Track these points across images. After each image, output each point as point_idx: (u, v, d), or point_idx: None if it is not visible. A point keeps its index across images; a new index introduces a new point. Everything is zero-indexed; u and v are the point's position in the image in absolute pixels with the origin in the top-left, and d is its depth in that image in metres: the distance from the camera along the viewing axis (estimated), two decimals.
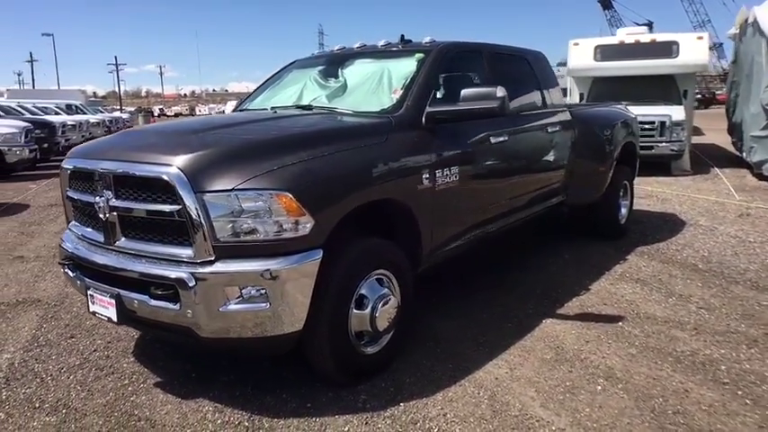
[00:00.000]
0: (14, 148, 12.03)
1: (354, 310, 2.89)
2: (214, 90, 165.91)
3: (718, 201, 7.90)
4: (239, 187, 2.51)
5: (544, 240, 5.88)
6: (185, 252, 2.58)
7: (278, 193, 2.52)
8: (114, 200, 2.77)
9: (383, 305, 2.97)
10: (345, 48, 4.30)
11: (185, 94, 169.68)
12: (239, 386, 3.02)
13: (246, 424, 2.68)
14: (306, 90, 3.98)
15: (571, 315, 3.91)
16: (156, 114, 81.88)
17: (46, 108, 22.15)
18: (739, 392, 2.87)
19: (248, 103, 4.36)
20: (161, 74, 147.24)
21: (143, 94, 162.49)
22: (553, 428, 2.60)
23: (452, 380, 3.05)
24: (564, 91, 20.06)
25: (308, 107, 3.71)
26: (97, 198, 2.82)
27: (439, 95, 3.67)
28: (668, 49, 10.62)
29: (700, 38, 10.55)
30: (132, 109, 73.58)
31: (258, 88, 4.50)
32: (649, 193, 8.70)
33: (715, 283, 4.48)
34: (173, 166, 2.55)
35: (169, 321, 2.65)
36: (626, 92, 10.97)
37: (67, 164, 3.08)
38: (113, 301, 2.74)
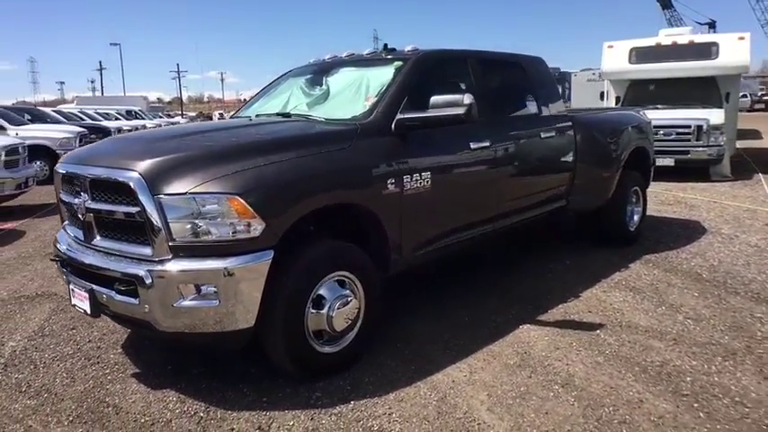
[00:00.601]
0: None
1: (312, 310, 3.00)
2: None
3: (750, 208, 7.57)
4: (192, 191, 2.67)
5: (549, 245, 5.83)
6: (146, 251, 2.77)
7: (229, 196, 2.67)
8: (90, 202, 2.99)
9: (341, 306, 3.07)
10: (336, 56, 4.43)
11: (245, 99, 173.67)
12: (207, 379, 3.18)
13: (202, 414, 2.84)
14: (292, 97, 4.14)
15: (551, 321, 3.89)
16: (217, 118, 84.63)
17: (107, 114, 23.46)
18: (696, 405, 2.81)
19: (243, 110, 4.55)
20: (222, 80, 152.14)
21: (205, 99, 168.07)
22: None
23: (409, 381, 3.12)
24: (601, 94, 19.61)
25: (287, 114, 3.86)
26: (77, 200, 3.06)
27: (417, 103, 3.73)
28: (707, 51, 10.25)
29: (741, 38, 10.11)
30: (193, 114, 76.54)
31: (256, 95, 4.70)
32: (680, 199, 8.42)
33: (713, 294, 4.34)
34: (135, 171, 2.75)
35: (132, 315, 2.85)
36: (664, 95, 10.69)
37: (60, 168, 3.34)
38: (87, 295, 2.96)
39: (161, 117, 36.01)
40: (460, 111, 3.37)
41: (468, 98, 3.39)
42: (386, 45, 4.16)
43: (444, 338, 3.65)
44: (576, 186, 5.16)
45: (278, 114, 3.91)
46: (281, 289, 2.86)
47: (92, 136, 14.86)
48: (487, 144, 4.02)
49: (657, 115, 10.01)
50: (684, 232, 6.32)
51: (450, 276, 4.84)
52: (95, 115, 20.59)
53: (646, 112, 9.69)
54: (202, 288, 2.69)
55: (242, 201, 2.68)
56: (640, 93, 11.03)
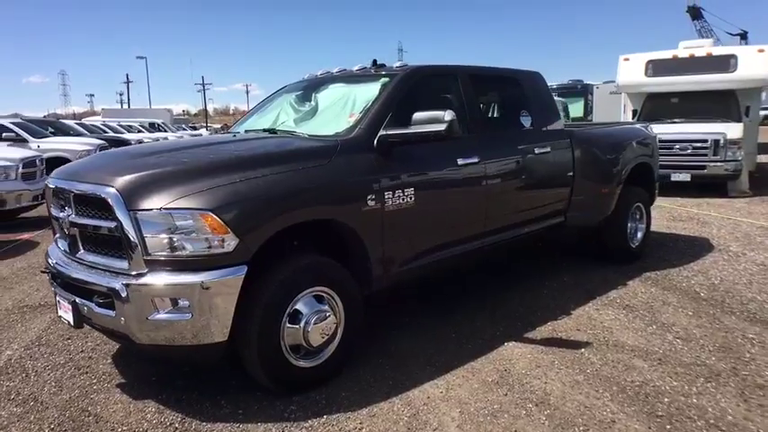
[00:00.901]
0: None
1: (288, 325, 3.05)
2: None
3: (764, 225, 7.40)
4: (167, 206, 2.75)
5: (549, 262, 5.79)
6: (123, 264, 2.85)
7: (202, 212, 2.74)
8: (74, 216, 3.10)
9: (318, 322, 3.11)
10: (328, 72, 4.50)
11: None
12: (188, 391, 3.25)
13: (177, 425, 2.90)
14: (282, 113, 4.22)
15: (537, 339, 3.87)
16: None
17: (130, 126, 24.04)
18: (668, 427, 2.77)
19: (237, 125, 4.65)
20: (247, 92, 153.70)
21: (231, 111, 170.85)
22: None
23: (385, 396, 3.14)
24: (586, 107, 19.54)
25: (274, 131, 3.93)
26: (62, 214, 3.18)
27: (403, 119, 3.76)
28: (725, 64, 10.09)
29: (761, 50, 9.93)
30: (218, 125, 77.84)
31: (251, 110, 4.80)
32: (693, 215, 8.27)
33: (708, 313, 4.26)
34: (112, 186, 2.85)
35: (111, 327, 2.93)
36: (682, 108, 10.54)
37: (50, 183, 3.46)
38: (71, 307, 3.06)
39: (184, 129, 36.64)
40: (441, 127, 3.40)
41: (449, 114, 3.42)
42: (375, 61, 4.22)
43: (427, 354, 3.66)
44: (575, 203, 5.13)
45: (264, 130, 3.99)
46: (257, 303, 2.92)
47: (111, 149, 15.27)
48: (476, 160, 4.03)
49: (673, 129, 9.91)
50: (690, 249, 6.21)
51: (442, 293, 4.84)
52: (118, 128, 21.11)
53: (661, 126, 9.66)
54: (176, 302, 2.76)
55: (215, 217, 2.75)
56: (658, 106, 10.89)
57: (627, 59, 10.81)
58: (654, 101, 11.00)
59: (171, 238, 2.76)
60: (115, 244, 2.90)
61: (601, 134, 5.64)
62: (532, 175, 4.63)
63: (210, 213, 2.75)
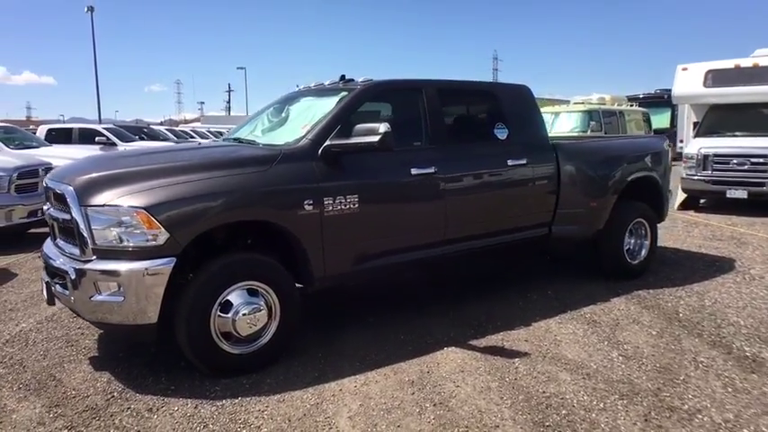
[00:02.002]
0: None
1: (219, 313, 3.40)
2: None
3: None
4: (110, 203, 3.20)
5: (542, 274, 5.76)
6: (77, 251, 3.33)
7: (138, 210, 3.16)
8: (51, 210, 3.64)
9: (247, 313, 3.44)
10: (319, 85, 4.80)
11: None
12: (141, 367, 3.67)
13: (115, 394, 3.33)
14: (259, 123, 4.61)
15: (479, 346, 3.96)
16: None
17: (220, 132, 25.77)
18: None
19: (230, 133, 5.10)
20: None
21: None
22: None
23: (304, 386, 3.40)
24: (673, 117, 18.43)
25: (239, 140, 4.32)
26: (47, 208, 3.73)
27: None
28: None
29: None
30: None
31: (246, 119, 5.23)
32: (736, 234, 7.80)
33: (673, 334, 4.14)
34: (71, 185, 3.34)
35: (67, 305, 3.42)
36: (744, 121, 9.92)
37: (45, 182, 4.04)
38: (45, 286, 3.59)
39: None
40: (375, 139, 3.62)
41: (383, 127, 3.63)
42: (342, 76, 4.49)
43: (367, 353, 3.86)
44: (561, 216, 5.12)
45: (235, 139, 4.39)
46: (190, 291, 3.31)
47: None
48: (432, 171, 4.20)
49: (730, 143, 9.36)
50: (706, 269, 5.92)
51: (416, 297, 5.01)
52: (206, 134, 22.72)
53: (717, 140, 9.17)
54: (111, 286, 3.19)
55: (148, 214, 3.16)
56: (719, 119, 10.27)
57: (685, 69, 10.29)
58: (716, 113, 10.38)
59: (113, 231, 3.20)
60: (73, 234, 3.39)
61: (590, 147, 5.56)
62: (504, 186, 4.71)
63: (144, 211, 3.16)
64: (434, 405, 3.14)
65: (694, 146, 9.78)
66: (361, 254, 4.00)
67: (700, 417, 2.99)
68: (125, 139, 14.33)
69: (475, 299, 4.98)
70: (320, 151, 3.77)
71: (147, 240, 3.18)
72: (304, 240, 3.67)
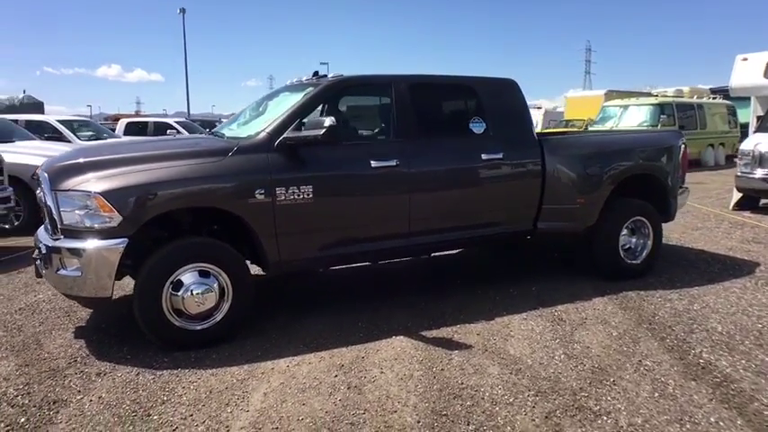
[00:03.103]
0: None
1: (171, 291, 3.71)
2: None
3: None
4: (73, 188, 3.59)
5: (534, 269, 5.67)
6: (51, 231, 3.76)
7: (95, 194, 3.53)
8: (40, 194, 4.10)
9: (195, 293, 3.72)
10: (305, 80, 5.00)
11: None
12: (114, 338, 4.05)
13: (78, 359, 3.72)
14: (241, 117, 4.89)
15: (428, 337, 4.02)
16: None
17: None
18: (441, 421, 2.89)
19: (218, 127, 5.42)
20: None
21: None
22: (240, 411, 3.06)
23: (242, 363, 3.63)
24: (731, 110, 17.19)
25: (213, 133, 4.62)
26: (38, 193, 4.20)
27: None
28: None
29: None
30: None
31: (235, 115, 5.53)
32: None
33: (635, 337, 4.00)
34: (46, 172, 3.76)
35: (47, 279, 3.86)
36: None
37: (37, 171, 4.52)
38: (35, 262, 4.06)
39: None
40: (319, 132, 3.79)
41: (328, 121, 3.79)
42: (316, 72, 4.67)
43: (317, 337, 4.04)
44: (546, 211, 5.04)
45: (210, 131, 4.69)
46: (143, 271, 3.64)
47: None
48: (393, 163, 4.29)
49: None
50: (720, 273, 5.58)
51: (392, 291, 5.11)
52: None
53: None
54: (73, 262, 3.58)
55: (103, 199, 3.51)
56: None
57: (745, 59, 9.55)
58: None
59: (77, 213, 3.58)
60: (51, 215, 3.81)
61: (580, 142, 5.39)
62: (476, 180, 4.70)
63: (101, 196, 3.52)
64: (348, 388, 3.28)
65: (751, 142, 9.09)
66: (317, 242, 4.18)
67: (604, 419, 2.93)
68: (194, 132, 15.27)
69: (454, 292, 5.01)
70: (276, 144, 3.98)
71: (104, 222, 3.54)
72: (256, 227, 3.90)
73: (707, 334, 4.03)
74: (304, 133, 3.89)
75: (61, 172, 3.72)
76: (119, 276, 3.90)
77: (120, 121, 16.18)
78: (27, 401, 3.17)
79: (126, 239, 3.56)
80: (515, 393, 3.20)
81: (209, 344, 3.85)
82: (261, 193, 3.86)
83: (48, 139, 10.17)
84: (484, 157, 4.67)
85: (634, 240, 5.49)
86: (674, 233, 7.56)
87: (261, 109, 4.74)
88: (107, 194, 3.52)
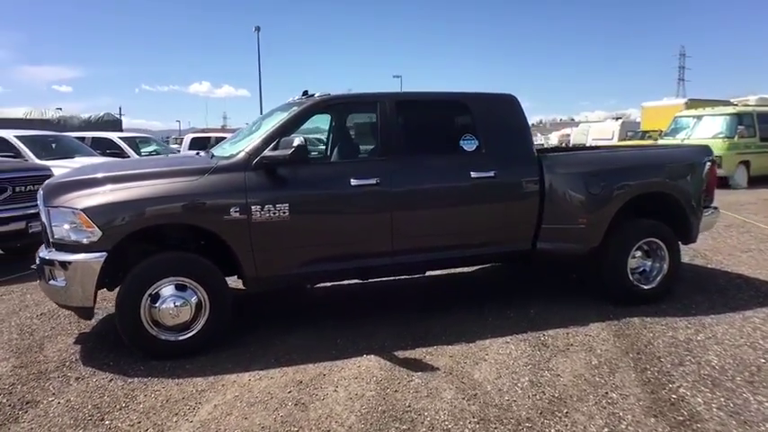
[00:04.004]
0: None
1: (150, 303, 3.92)
2: (561, 119, 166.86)
3: None
4: (62, 205, 3.88)
5: (541, 291, 5.47)
6: (45, 245, 4.08)
7: (77, 211, 3.80)
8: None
9: (170, 306, 3.91)
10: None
11: (533, 124, 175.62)
12: (108, 344, 4.31)
13: (67, 364, 3.98)
14: (239, 134, 5.07)
15: (398, 358, 3.98)
16: None
17: None
18: None
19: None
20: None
21: None
22: (184, 421, 3.18)
23: (208, 374, 3.76)
24: None
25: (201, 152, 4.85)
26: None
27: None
28: None
29: None
30: None
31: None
32: None
33: (613, 367, 3.78)
34: (42, 189, 4.10)
35: (41, 289, 4.19)
36: None
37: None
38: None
39: None
40: (287, 152, 3.89)
41: (297, 140, 3.89)
42: (305, 92, 4.77)
43: (292, 352, 4.11)
44: (546, 231, 4.87)
45: (197, 152, 4.91)
46: (124, 283, 3.88)
47: None
48: (374, 182, 4.31)
49: None
50: (749, 300, 5.15)
51: (387, 310, 5.09)
52: None
53: None
54: (59, 273, 3.87)
55: (85, 215, 3.78)
56: None
57: None
58: None
59: (65, 228, 3.87)
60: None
61: (583, 159, 5.14)
62: (465, 199, 4.62)
63: (82, 212, 3.79)
64: (295, 405, 3.32)
65: None
66: (295, 259, 4.26)
67: None
68: None
69: (448, 312, 4.91)
70: (254, 163, 4.12)
71: (86, 237, 3.80)
72: (232, 244, 4.05)
73: (697, 367, 3.74)
74: (275, 153, 4.00)
75: (54, 189, 4.04)
76: (112, 288, 4.18)
77: (187, 136, 17.15)
78: (5, 400, 3.45)
79: (105, 253, 3.80)
80: (457, 420, 3.12)
81: (185, 355, 4.01)
82: (236, 211, 4.00)
83: (110, 155, 10.97)
84: (473, 175, 4.58)
85: (649, 263, 5.18)
86: (718, 254, 7.06)
87: (254, 128, 4.91)
88: (88, 211, 3.78)
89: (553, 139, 69.94)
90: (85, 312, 3.98)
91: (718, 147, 15.18)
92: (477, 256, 4.82)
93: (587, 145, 32.41)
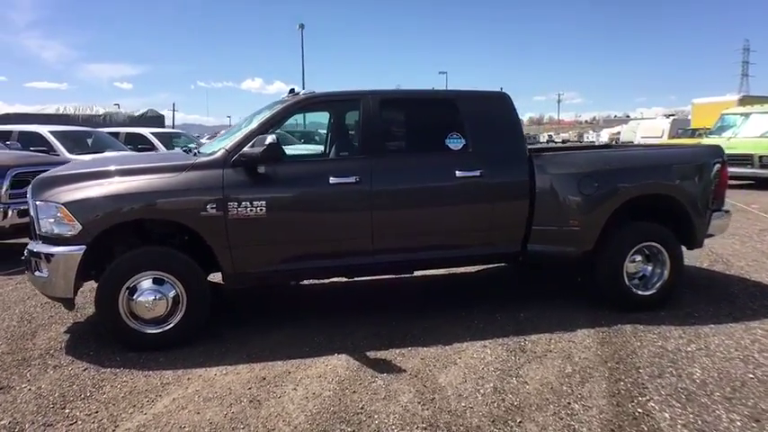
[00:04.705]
0: None
1: (128, 296, 4.02)
2: (616, 116, 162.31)
3: None
4: (47, 199, 4.02)
5: (546, 292, 5.32)
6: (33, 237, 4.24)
7: (59, 205, 3.93)
8: None
9: (146, 299, 4.00)
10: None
11: (586, 121, 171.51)
12: (94, 335, 4.46)
13: (51, 352, 4.12)
14: (231, 131, 5.13)
15: (368, 358, 3.93)
16: (544, 141, 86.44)
17: None
18: None
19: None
20: (558, 101, 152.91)
21: (545, 120, 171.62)
22: (139, 413, 3.25)
23: (177, 368, 3.81)
24: None
25: (188, 149, 4.90)
26: None
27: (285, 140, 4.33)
28: None
29: None
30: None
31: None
32: None
33: (587, 376, 3.63)
34: (32, 184, 4.26)
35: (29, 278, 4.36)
36: None
37: None
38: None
39: None
40: (259, 150, 3.91)
41: (269, 139, 3.90)
42: (292, 89, 4.77)
43: (266, 349, 4.13)
44: (537, 233, 4.73)
45: (186, 149, 4.99)
46: (103, 276, 4.00)
47: None
48: (353, 180, 4.27)
49: None
50: (751, 312, 4.83)
51: (378, 310, 5.06)
52: None
53: None
54: (42, 264, 4.01)
55: (66, 209, 3.91)
56: None
57: None
58: None
59: (49, 221, 4.02)
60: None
61: (575, 159, 4.94)
62: (449, 198, 4.53)
63: (63, 206, 3.92)
64: (250, 401, 3.34)
65: None
66: (274, 256, 4.28)
67: None
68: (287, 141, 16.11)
69: (436, 313, 4.81)
70: (233, 160, 4.16)
71: (68, 230, 3.93)
72: (209, 239, 4.10)
73: (676, 380, 3.54)
74: (250, 151, 4.03)
75: (42, 184, 4.19)
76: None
77: (221, 131, 17.53)
78: None
79: (84, 246, 3.92)
80: (405, 424, 3.06)
81: (161, 347, 4.10)
82: (212, 208, 4.05)
83: (142, 149, 11.34)
84: (458, 174, 4.48)
85: (650, 268, 4.96)
86: (742, 260, 6.71)
87: (243, 125, 4.96)
88: (69, 205, 3.90)
89: (604, 137, 68.08)
90: (67, 303, 4.12)
91: (764, 146, 14.41)
92: (463, 256, 4.73)
93: (635, 143, 31.33)
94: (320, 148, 5.61)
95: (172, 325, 4.10)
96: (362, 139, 4.43)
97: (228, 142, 4.31)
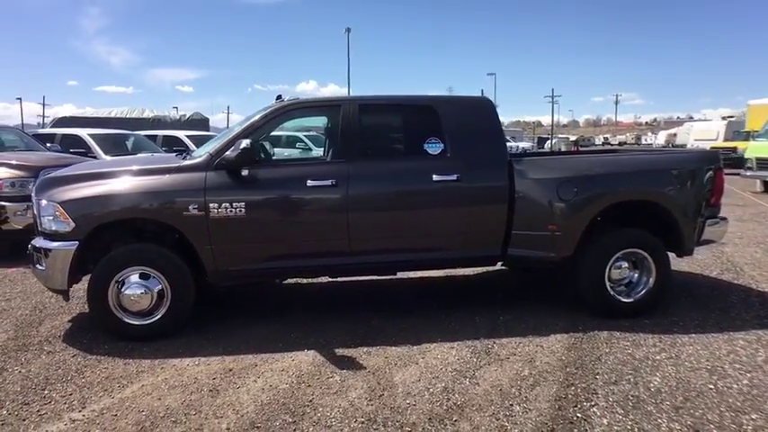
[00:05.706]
0: None
1: (117, 289, 4.33)
2: (678, 117, 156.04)
3: None
4: (47, 198, 4.38)
5: (539, 297, 5.33)
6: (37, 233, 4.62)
7: (56, 204, 4.28)
8: None
9: (131, 293, 4.29)
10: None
11: (646, 122, 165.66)
12: (96, 327, 4.82)
13: (50, 339, 4.48)
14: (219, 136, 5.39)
15: (336, 355, 4.09)
16: (600, 143, 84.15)
17: None
18: None
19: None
20: (616, 102, 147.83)
21: (602, 122, 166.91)
22: (106, 397, 3.52)
23: (157, 357, 4.08)
24: None
25: (180, 151, 5.19)
26: None
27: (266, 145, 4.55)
28: None
29: None
30: (573, 138, 77.57)
31: None
32: None
33: (540, 380, 3.66)
34: (37, 183, 4.63)
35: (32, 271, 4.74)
36: None
37: None
38: None
39: (512, 140, 38.72)
40: (233, 154, 4.14)
41: (244, 143, 4.12)
42: (279, 96, 4.97)
43: (244, 342, 4.34)
44: (517, 238, 4.77)
45: (179, 151, 5.28)
46: (94, 270, 4.32)
47: None
48: (329, 183, 4.44)
49: None
50: (741, 323, 4.71)
51: (364, 308, 5.21)
52: None
53: None
54: (41, 259, 4.37)
55: (61, 208, 4.25)
56: None
57: None
58: None
59: (48, 218, 4.37)
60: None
61: (555, 164, 4.91)
62: (424, 202, 4.64)
63: (59, 205, 4.26)
64: (210, 391, 3.56)
65: None
66: (254, 255, 4.50)
67: None
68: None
69: (418, 314, 4.92)
70: (215, 163, 4.40)
71: (63, 227, 4.27)
72: (192, 238, 4.36)
73: (629, 387, 3.53)
74: (228, 154, 4.26)
75: (45, 184, 4.55)
76: None
77: None
78: None
79: (77, 242, 4.24)
80: (345, 418, 3.20)
81: (148, 338, 4.38)
82: (195, 208, 4.30)
83: (176, 151, 11.86)
84: (435, 178, 4.58)
85: (636, 275, 4.90)
86: (756, 269, 6.56)
87: (234, 128, 5.20)
88: (64, 204, 4.25)
89: (661, 139, 65.74)
90: (63, 294, 4.46)
91: None
92: (442, 259, 4.82)
93: (688, 146, 30.16)
94: (315, 152, 5.83)
95: (157, 318, 4.37)
96: (341, 144, 4.59)
97: (214, 146, 4.56)
